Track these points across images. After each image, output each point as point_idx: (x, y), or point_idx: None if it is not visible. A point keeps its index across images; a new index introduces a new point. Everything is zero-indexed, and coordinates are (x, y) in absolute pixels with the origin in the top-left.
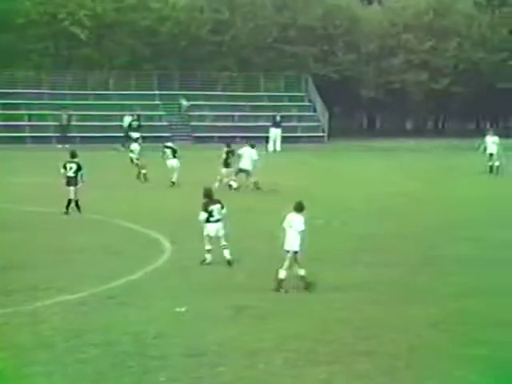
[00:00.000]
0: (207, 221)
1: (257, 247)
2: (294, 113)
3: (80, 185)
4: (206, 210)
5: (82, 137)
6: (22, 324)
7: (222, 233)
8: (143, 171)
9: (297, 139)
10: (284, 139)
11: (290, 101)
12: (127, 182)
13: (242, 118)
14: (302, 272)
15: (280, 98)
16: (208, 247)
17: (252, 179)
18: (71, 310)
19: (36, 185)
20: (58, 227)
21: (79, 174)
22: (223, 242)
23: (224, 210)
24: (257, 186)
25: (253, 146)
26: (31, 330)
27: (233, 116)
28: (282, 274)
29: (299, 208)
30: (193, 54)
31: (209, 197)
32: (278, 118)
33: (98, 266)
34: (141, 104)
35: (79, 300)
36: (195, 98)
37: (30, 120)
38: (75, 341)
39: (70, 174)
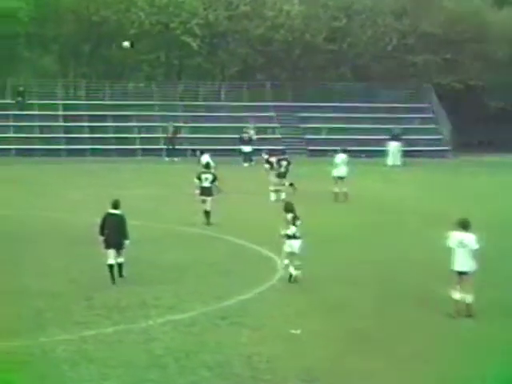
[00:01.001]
0: (292, 237)
1: (383, 267)
2: (416, 125)
3: (215, 195)
4: (294, 225)
5: (192, 149)
6: (134, 342)
7: (299, 250)
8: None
9: (419, 153)
10: (405, 153)
11: (411, 112)
12: (238, 195)
13: (358, 131)
14: (469, 299)
15: (400, 110)
16: (287, 261)
17: (345, 188)
18: (182, 329)
19: (145, 197)
20: (166, 242)
21: (214, 184)
22: (297, 262)
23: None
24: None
25: (345, 151)
26: (143, 349)
27: (349, 128)
28: (457, 295)
29: (466, 225)
30: (307, 63)
31: (291, 211)
32: (397, 131)
33: (207, 283)
34: (253, 116)
35: (190, 319)
36: (309, 109)
37: (140, 132)
38: (187, 361)
39: (206, 184)
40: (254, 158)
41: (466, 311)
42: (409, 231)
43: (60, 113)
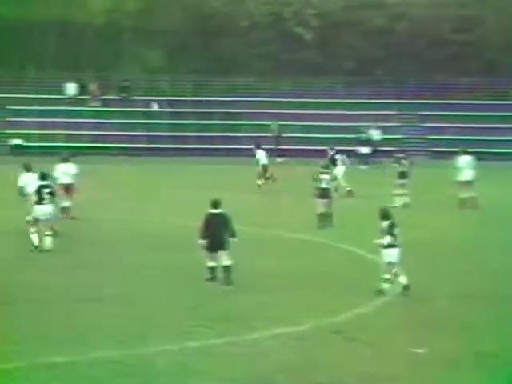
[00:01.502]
0: (390, 246)
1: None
2: None
3: (332, 197)
4: (391, 234)
5: (299, 150)
6: (240, 355)
7: (399, 259)
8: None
9: None
10: None
11: None
12: (353, 200)
13: (487, 131)
14: None
15: None
16: (388, 276)
17: (473, 193)
18: (292, 343)
19: (251, 201)
20: (274, 249)
21: (331, 185)
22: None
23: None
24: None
25: (467, 153)
26: (250, 364)
27: (476, 128)
28: None
29: None
30: (431, 57)
31: (388, 218)
32: None
33: (319, 294)
34: (373, 114)
35: (301, 333)
36: (430, 107)
37: (247, 131)
38: (298, 379)
39: (324, 185)
40: (373, 159)
41: None
42: None
43: (166, 110)
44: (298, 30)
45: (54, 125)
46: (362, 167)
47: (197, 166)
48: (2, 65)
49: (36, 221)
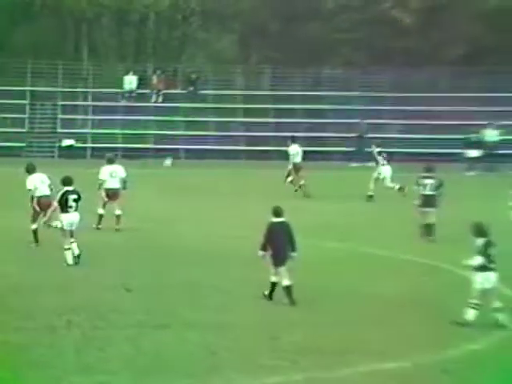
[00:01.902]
0: (484, 268)
1: None
2: None
3: (438, 206)
4: (484, 254)
5: (402, 152)
6: None
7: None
8: None
9: None
10: None
11: None
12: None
13: None
14: None
15: None
16: (476, 301)
17: None
18: (392, 382)
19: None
20: (370, 270)
21: (438, 191)
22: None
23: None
24: None
25: None
26: None
27: None
28: None
29: None
30: None
31: (484, 235)
32: None
33: (425, 325)
34: (485, 111)
35: (402, 370)
36: None
37: (334, 130)
38: None
39: (427, 191)
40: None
41: None
42: None
43: (239, 106)
44: (395, 12)
45: (111, 123)
46: (469, 173)
47: (274, 170)
48: (55, 55)
49: (64, 231)
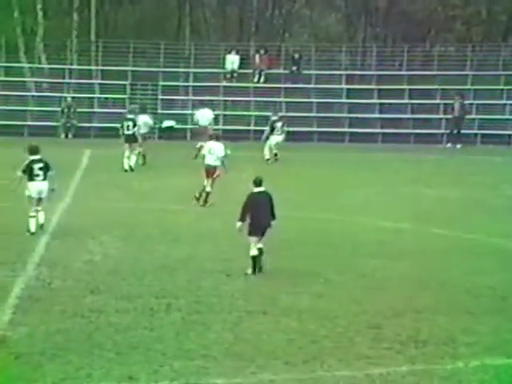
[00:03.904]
0: None
1: None
2: None
3: None
4: None
5: (483, 134)
6: None
7: None
8: None
9: None
10: None
11: None
12: None
13: None
14: None
15: None
16: None
17: None
18: (507, 378)
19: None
20: (485, 260)
21: None
22: None
23: None
24: None
25: None
26: None
27: None
28: None
29: None
30: None
31: None
32: None
33: None
34: None
35: None
36: None
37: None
38: None
39: None
40: None
41: None
42: None
43: (343, 86)
44: None
45: (212, 104)
46: None
47: (379, 154)
48: (155, 34)
49: (30, 199)
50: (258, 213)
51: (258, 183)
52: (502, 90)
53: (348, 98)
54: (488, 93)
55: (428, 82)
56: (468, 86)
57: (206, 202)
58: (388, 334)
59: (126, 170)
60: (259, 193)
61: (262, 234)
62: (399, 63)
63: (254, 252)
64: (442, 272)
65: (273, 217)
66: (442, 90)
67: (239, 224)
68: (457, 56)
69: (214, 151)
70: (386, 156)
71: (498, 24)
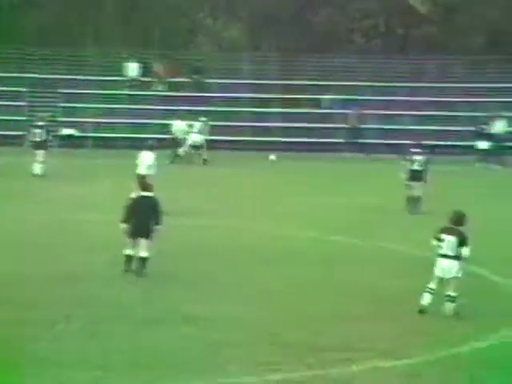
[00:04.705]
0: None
1: None
2: None
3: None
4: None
5: (377, 144)
6: None
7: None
8: None
9: None
10: None
11: None
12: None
13: None
14: None
15: None
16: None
17: None
18: (397, 380)
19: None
20: (383, 265)
21: (426, 167)
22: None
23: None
24: None
25: None
26: None
27: None
28: None
29: None
30: None
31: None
32: None
33: (434, 323)
34: (500, 102)
35: (408, 368)
36: None
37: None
38: None
39: (415, 167)
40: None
41: None
42: None
43: (246, 95)
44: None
45: (113, 112)
46: (478, 165)
47: (281, 162)
48: (55, 41)
49: None
50: (138, 216)
51: (144, 187)
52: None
53: (252, 106)
54: (388, 103)
55: (327, 91)
56: (368, 97)
57: None
58: (287, 341)
59: (34, 175)
60: (143, 197)
61: (144, 237)
62: (303, 73)
63: (127, 251)
64: (343, 278)
65: (157, 222)
66: (343, 100)
67: (123, 226)
68: (357, 68)
69: (144, 160)
70: (289, 164)
71: (395, 36)
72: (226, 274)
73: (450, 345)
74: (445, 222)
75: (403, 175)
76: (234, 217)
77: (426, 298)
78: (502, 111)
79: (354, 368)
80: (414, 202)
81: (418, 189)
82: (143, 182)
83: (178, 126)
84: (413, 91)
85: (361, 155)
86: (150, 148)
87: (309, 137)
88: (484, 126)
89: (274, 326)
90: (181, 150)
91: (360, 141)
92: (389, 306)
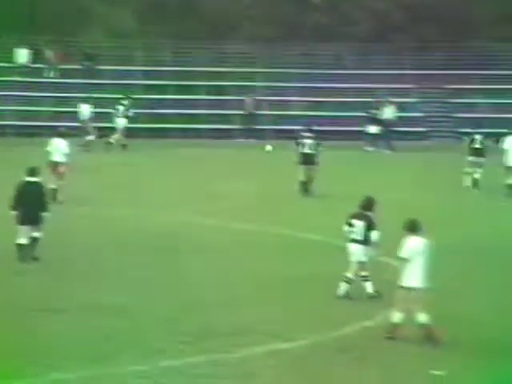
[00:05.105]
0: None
1: None
2: None
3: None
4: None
5: (276, 130)
6: (227, 376)
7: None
8: None
9: None
10: None
11: None
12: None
13: None
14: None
15: None
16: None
17: None
18: (289, 363)
19: (245, 194)
20: (273, 251)
21: (317, 151)
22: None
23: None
24: None
25: None
26: None
27: None
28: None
29: None
30: (466, 19)
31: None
32: None
33: (323, 306)
34: (387, 88)
35: (299, 350)
36: (464, 79)
37: (234, 107)
38: None
39: (307, 150)
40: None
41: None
42: None
43: (139, 82)
44: None
45: (4, 99)
46: (369, 149)
47: (177, 149)
48: None
49: None
50: (26, 203)
51: (30, 172)
52: (295, 87)
53: (146, 93)
54: (280, 89)
55: (222, 78)
56: (261, 83)
57: (54, 199)
58: (184, 328)
59: None
60: (30, 183)
61: (33, 224)
62: (194, 59)
63: (20, 241)
64: (248, 265)
65: (43, 209)
66: (236, 86)
67: (13, 213)
68: (247, 54)
69: (58, 147)
70: (186, 152)
71: (285, 24)
72: (119, 264)
73: (337, 326)
74: (337, 205)
75: (295, 159)
76: (132, 205)
77: (343, 288)
78: (390, 98)
79: (250, 352)
80: (305, 185)
81: (309, 172)
82: (31, 168)
83: (84, 109)
84: (306, 77)
85: (254, 141)
86: (62, 135)
87: (205, 123)
88: (374, 112)
89: (172, 313)
90: (112, 138)
91: (255, 127)
92: (278, 291)
